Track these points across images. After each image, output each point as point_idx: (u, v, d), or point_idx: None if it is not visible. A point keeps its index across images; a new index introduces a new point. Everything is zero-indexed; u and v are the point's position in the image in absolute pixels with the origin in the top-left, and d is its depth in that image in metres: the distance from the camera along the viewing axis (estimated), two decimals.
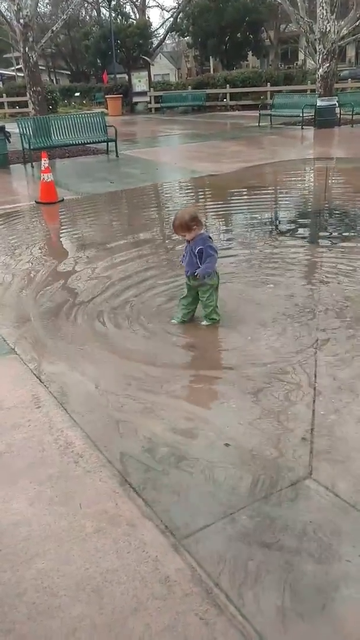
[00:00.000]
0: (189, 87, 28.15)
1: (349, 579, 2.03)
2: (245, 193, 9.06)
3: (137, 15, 41.24)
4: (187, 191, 9.62)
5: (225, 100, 26.52)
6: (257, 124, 18.62)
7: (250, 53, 38.68)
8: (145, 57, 30.68)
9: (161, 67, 40.80)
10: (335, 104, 17.41)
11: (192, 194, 9.47)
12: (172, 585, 2.03)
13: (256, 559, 2.13)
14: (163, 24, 42.74)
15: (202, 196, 9.32)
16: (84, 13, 47.91)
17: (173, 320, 4.24)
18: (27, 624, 1.92)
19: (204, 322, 4.15)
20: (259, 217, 7.43)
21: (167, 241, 6.56)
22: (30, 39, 15.26)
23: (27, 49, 15.22)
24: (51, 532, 2.32)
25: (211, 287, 4.07)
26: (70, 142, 13.42)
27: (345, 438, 2.82)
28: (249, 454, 2.72)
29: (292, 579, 2.04)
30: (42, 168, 8.82)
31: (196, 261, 3.96)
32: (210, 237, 4.07)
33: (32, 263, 5.92)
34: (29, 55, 15.31)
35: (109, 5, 34.38)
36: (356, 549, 2.15)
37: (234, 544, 2.20)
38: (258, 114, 18.96)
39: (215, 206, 8.54)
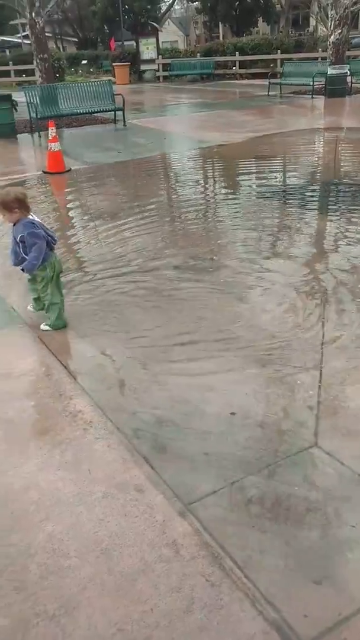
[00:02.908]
0: (198, 54, 27.60)
1: (352, 543, 2.07)
2: (254, 163, 8.95)
3: None
4: (195, 161, 9.51)
5: (234, 68, 25.99)
6: (267, 93, 18.29)
7: (260, 19, 37.69)
8: (154, 23, 30.04)
9: (169, 33, 39.90)
10: (346, 72, 17.01)
11: (200, 164, 9.36)
12: (178, 549, 2.08)
13: (262, 524, 2.17)
14: None
15: (211, 166, 9.21)
16: None
17: (29, 308, 4.01)
18: (38, 583, 1.97)
19: (42, 326, 3.78)
20: (268, 187, 7.35)
21: (173, 212, 6.52)
22: (37, 4, 14.95)
23: (33, 14, 14.93)
24: (61, 497, 2.36)
25: (44, 278, 3.65)
26: (78, 111, 13.25)
27: (350, 408, 2.84)
28: (254, 423, 2.75)
29: (298, 543, 2.08)
30: (50, 137, 8.73)
31: (19, 250, 3.59)
32: (33, 223, 3.54)
33: None
34: (36, 20, 15.02)
35: None
36: None
37: (240, 510, 2.24)
38: (268, 83, 18.60)
39: (224, 176, 8.45)
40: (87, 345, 3.60)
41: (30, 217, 3.59)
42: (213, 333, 3.67)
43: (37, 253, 3.55)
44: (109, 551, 2.09)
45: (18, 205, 3.51)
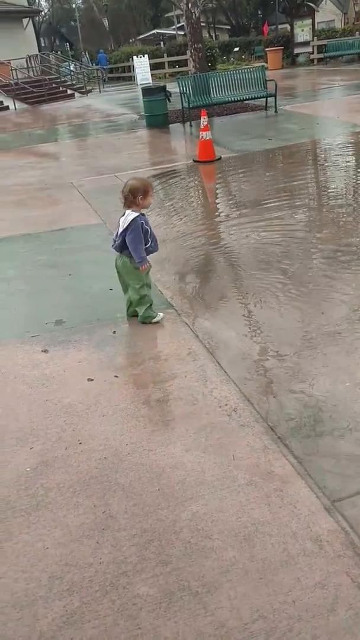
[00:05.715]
0: (357, 32, 26.22)
1: None
2: None
3: None
4: (348, 146, 9.10)
5: None
6: None
7: None
8: (310, 3, 29.04)
9: (326, 13, 38.23)
10: None
11: (352, 149, 8.93)
12: (323, 545, 2.03)
13: None
14: None
15: None
16: None
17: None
18: (182, 560, 2.04)
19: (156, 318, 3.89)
20: None
21: (323, 200, 6.31)
22: None
23: (189, 4, 15.16)
24: (205, 479, 2.42)
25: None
26: (230, 99, 13.27)
27: None
28: None
29: None
30: (201, 126, 8.85)
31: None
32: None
33: (187, 221, 6.04)
34: (192, 11, 15.22)
35: None
36: None
37: None
38: None
39: None
40: (232, 333, 3.62)
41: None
42: None
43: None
44: (252, 538, 2.10)
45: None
